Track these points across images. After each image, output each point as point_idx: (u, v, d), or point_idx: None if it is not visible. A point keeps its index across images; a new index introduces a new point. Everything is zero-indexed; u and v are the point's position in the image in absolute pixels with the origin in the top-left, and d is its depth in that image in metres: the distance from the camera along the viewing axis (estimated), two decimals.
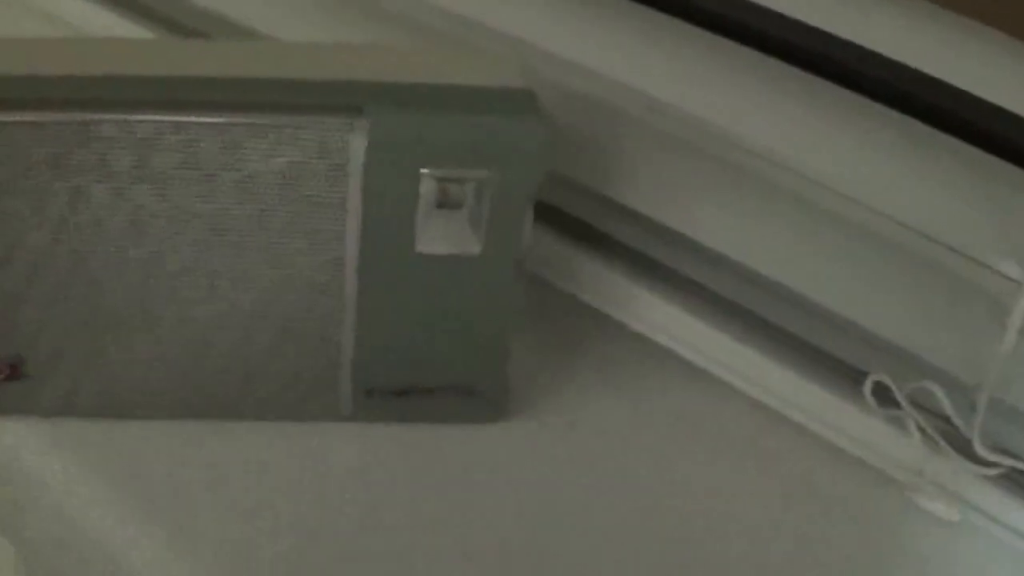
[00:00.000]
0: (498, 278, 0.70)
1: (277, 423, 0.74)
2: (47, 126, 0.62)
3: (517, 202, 0.68)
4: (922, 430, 0.70)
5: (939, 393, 0.70)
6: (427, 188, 0.66)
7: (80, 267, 0.67)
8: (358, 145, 0.64)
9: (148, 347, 0.70)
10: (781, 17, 0.76)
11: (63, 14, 1.04)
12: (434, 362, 0.73)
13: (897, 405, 0.73)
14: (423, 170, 0.66)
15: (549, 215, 0.82)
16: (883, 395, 0.72)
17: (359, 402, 0.73)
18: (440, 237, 0.68)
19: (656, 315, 0.79)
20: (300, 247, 0.67)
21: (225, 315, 0.69)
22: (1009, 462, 0.67)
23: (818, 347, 0.77)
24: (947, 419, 0.69)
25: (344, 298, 0.69)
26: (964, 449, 0.68)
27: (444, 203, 0.67)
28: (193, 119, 0.63)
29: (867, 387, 0.73)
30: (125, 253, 0.66)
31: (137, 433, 0.73)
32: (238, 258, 0.67)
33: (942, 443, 0.69)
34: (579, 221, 0.82)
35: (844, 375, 0.75)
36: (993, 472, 0.68)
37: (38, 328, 0.69)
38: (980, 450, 0.67)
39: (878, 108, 0.73)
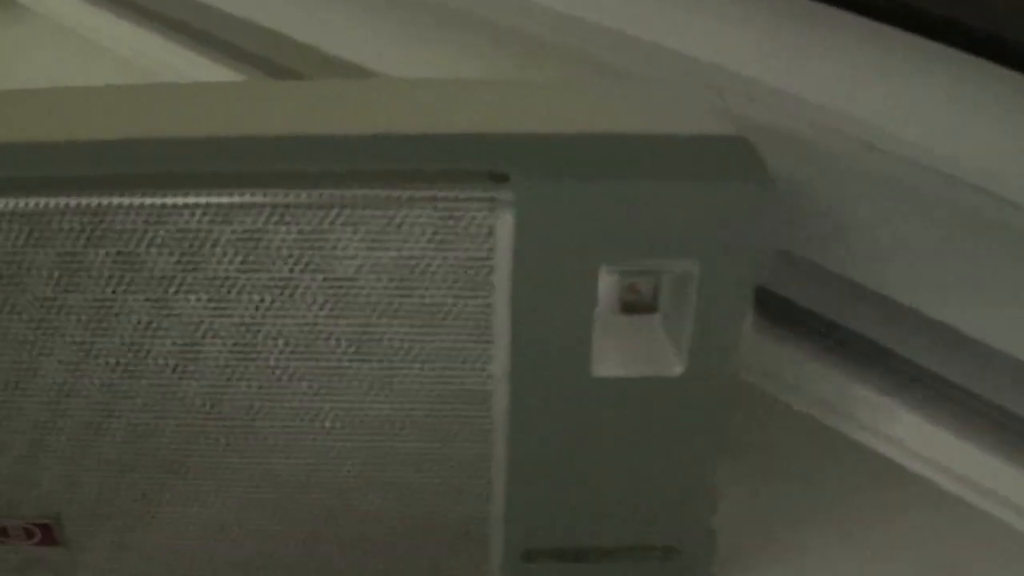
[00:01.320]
0: (705, 403, 0.45)
1: None
2: (38, 217, 0.38)
3: (733, 300, 0.42)
4: None
5: None
6: (607, 287, 0.41)
7: (116, 405, 0.43)
8: (504, 229, 0.39)
9: (215, 506, 0.46)
10: None
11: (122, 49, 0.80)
12: (615, 514, 0.48)
13: None
14: (602, 262, 0.40)
15: (762, 302, 0.57)
16: None
17: (514, 568, 0.50)
18: (625, 355, 0.43)
19: (913, 435, 0.56)
20: (424, 375, 0.42)
21: (321, 465, 0.44)
22: None
23: None
24: None
25: (491, 440, 0.45)
26: None
27: (631, 306, 0.42)
28: (253, 200, 0.38)
29: None
30: (175, 386, 0.42)
31: None
32: (333, 392, 0.43)
33: None
34: (800, 309, 0.55)
35: None
36: None
37: (71, 483, 0.45)
38: None
39: None
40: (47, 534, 0.49)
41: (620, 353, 0.44)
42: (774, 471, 0.58)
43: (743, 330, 0.45)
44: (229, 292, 0.41)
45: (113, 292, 0.41)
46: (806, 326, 0.59)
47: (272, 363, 0.43)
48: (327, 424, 0.45)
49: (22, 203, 0.40)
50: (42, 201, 0.40)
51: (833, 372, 0.58)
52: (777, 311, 0.59)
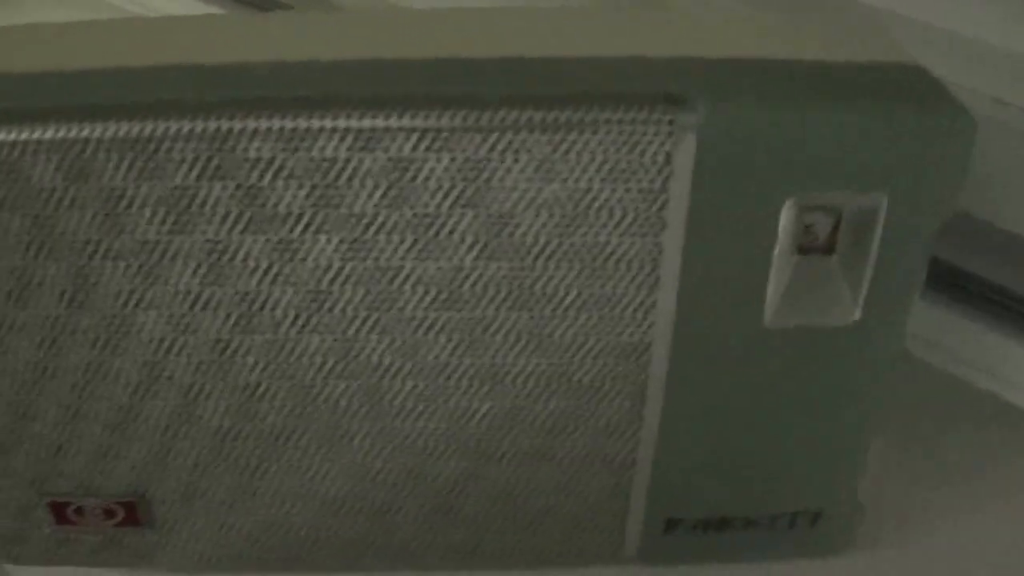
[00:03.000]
0: (874, 357, 0.39)
1: (521, 572, 0.42)
2: (149, 145, 0.31)
3: (917, 241, 0.36)
4: None
5: None
6: (787, 224, 0.35)
7: (224, 365, 0.36)
8: (684, 157, 0.33)
9: (328, 479, 0.39)
10: None
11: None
12: (766, 480, 0.42)
13: None
14: (786, 196, 0.34)
15: None
16: None
17: (652, 539, 0.44)
18: (800, 301, 0.36)
19: None
20: (578, 326, 0.36)
21: (453, 430, 0.38)
22: None
23: None
24: None
25: (644, 398, 0.38)
26: None
27: (807, 247, 0.35)
28: (402, 123, 0.32)
29: None
30: (294, 342, 0.35)
31: None
32: (476, 346, 0.36)
33: None
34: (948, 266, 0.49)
35: None
36: None
37: (164, 455, 0.39)
38: None
39: None
40: (131, 513, 0.42)
41: (795, 299, 0.38)
42: (917, 434, 0.52)
43: (921, 275, 0.39)
44: (367, 232, 0.35)
45: (230, 233, 0.35)
46: (954, 284, 0.53)
47: (410, 314, 0.37)
48: (466, 383, 0.38)
49: (127, 128, 0.33)
50: (154, 126, 0.33)
51: (988, 331, 0.52)
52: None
